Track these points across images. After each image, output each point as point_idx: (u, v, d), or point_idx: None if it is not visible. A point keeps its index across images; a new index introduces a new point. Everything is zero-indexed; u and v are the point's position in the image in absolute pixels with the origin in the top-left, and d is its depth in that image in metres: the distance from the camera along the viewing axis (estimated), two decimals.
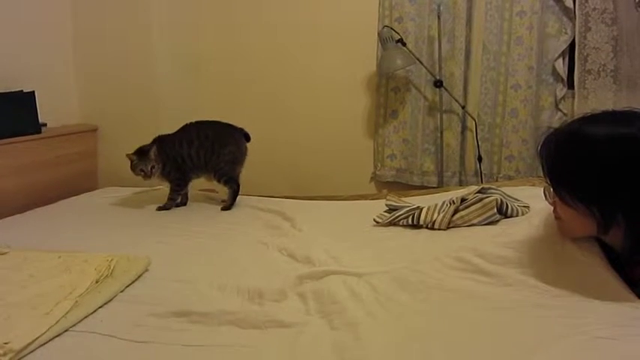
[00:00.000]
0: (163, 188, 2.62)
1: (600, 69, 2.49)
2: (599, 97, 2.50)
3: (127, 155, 2.17)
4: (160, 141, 2.28)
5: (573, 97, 2.58)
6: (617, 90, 2.48)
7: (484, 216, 1.74)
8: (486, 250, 1.33)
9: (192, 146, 2.29)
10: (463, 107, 2.73)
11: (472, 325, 1.11)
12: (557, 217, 1.24)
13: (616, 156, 1.06)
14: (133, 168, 2.19)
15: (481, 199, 1.76)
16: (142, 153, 2.19)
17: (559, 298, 1.12)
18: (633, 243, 1.09)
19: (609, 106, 2.47)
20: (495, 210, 1.74)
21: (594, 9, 2.45)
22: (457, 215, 1.77)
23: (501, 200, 1.77)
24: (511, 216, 1.78)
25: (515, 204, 1.80)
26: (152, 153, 2.19)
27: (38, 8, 2.65)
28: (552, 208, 1.25)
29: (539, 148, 1.19)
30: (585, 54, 2.51)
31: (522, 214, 1.77)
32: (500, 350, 1.01)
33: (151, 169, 2.17)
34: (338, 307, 1.24)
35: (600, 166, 1.08)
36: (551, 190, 1.19)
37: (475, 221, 1.74)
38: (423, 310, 1.20)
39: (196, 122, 2.38)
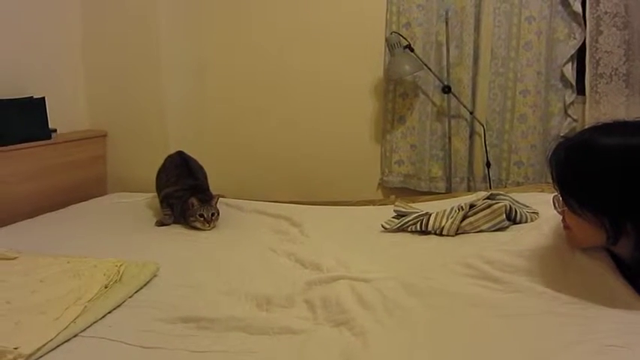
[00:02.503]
0: None
1: (612, 73, 2.48)
2: (611, 102, 2.48)
3: (189, 200, 2.09)
4: (200, 185, 2.28)
5: (583, 103, 2.57)
6: (629, 94, 2.46)
7: (493, 222, 1.73)
8: (495, 257, 1.33)
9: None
10: (471, 113, 2.72)
11: (481, 331, 1.10)
12: (566, 227, 1.23)
13: (627, 167, 1.06)
14: (192, 213, 2.09)
15: (490, 205, 1.75)
16: (203, 200, 2.11)
17: (569, 306, 1.12)
18: None
19: (621, 110, 2.45)
20: (504, 216, 1.73)
21: (606, 13, 2.44)
22: (466, 221, 1.76)
23: (510, 206, 1.76)
24: (520, 222, 1.77)
25: (524, 210, 1.79)
26: (215, 201, 2.14)
27: (48, 16, 2.67)
28: (561, 217, 1.25)
29: (548, 156, 1.18)
30: (597, 58, 2.49)
31: (531, 221, 1.76)
32: (510, 357, 1.01)
33: (212, 215, 2.09)
34: (346, 315, 1.24)
35: (610, 177, 1.08)
36: (560, 199, 1.19)
37: (484, 227, 1.73)
38: (431, 317, 1.20)
39: (176, 154, 2.41)
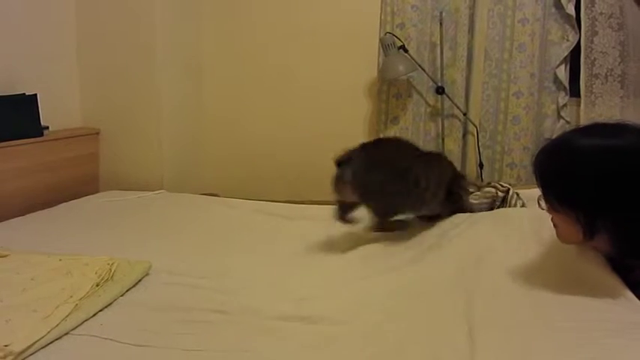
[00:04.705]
0: (164, 192, 2.62)
1: (608, 73, 2.50)
2: (606, 103, 2.50)
3: None
4: None
5: (577, 105, 2.60)
6: (624, 95, 2.48)
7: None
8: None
9: None
10: (465, 114, 2.73)
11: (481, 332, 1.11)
12: (555, 225, 1.27)
13: (598, 167, 1.11)
14: None
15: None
16: None
17: (564, 302, 1.13)
18: (620, 249, 1.13)
19: (616, 111, 2.48)
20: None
21: (601, 13, 2.46)
22: None
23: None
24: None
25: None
26: None
27: (41, 12, 2.66)
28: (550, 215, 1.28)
29: (533, 159, 1.24)
30: (592, 58, 2.51)
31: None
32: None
33: None
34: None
35: (585, 175, 1.14)
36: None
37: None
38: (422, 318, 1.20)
39: None
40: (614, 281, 1.16)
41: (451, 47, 2.73)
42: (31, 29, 2.60)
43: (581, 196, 1.14)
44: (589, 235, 1.15)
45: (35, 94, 2.46)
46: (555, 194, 1.20)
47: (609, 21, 2.46)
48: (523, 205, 1.82)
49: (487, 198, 1.86)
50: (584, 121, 2.51)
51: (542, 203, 1.27)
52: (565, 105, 2.61)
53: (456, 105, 2.71)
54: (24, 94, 2.43)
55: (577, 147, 1.16)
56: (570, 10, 2.50)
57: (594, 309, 1.11)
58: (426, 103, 2.82)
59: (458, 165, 2.78)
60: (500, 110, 2.72)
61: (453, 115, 2.78)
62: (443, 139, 2.76)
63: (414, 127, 2.84)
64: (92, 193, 2.66)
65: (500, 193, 1.88)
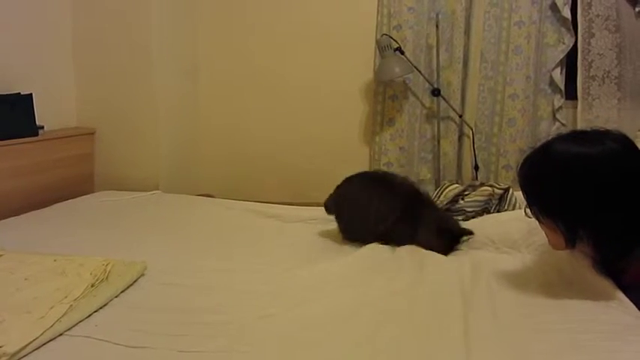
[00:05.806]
0: (159, 193, 2.62)
1: (604, 75, 2.51)
2: (603, 105, 2.51)
3: None
4: None
5: (573, 108, 2.60)
6: (621, 97, 2.49)
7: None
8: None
9: None
10: (460, 116, 2.74)
11: (479, 338, 1.11)
12: (545, 232, 1.27)
13: (575, 174, 1.10)
14: None
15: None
16: None
17: (558, 304, 1.13)
18: (604, 255, 1.13)
19: (613, 113, 2.49)
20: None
21: (597, 15, 2.47)
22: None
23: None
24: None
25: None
26: None
27: (37, 11, 2.64)
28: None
29: (518, 168, 1.24)
30: (589, 60, 2.52)
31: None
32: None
33: None
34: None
35: (561, 183, 1.12)
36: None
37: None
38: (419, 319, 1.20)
39: None
40: (607, 284, 1.17)
41: (447, 49, 2.73)
42: (27, 29, 2.59)
43: (556, 205, 1.14)
44: (570, 243, 1.14)
45: (30, 94, 2.45)
46: (535, 203, 1.20)
47: (606, 23, 2.47)
48: (519, 207, 1.83)
49: (483, 196, 1.86)
50: (581, 124, 2.52)
51: (529, 211, 1.26)
52: (560, 107, 2.62)
53: (451, 107, 2.72)
54: (19, 93, 2.42)
55: (553, 155, 1.16)
56: (566, 13, 2.51)
57: (588, 312, 1.11)
58: (422, 104, 2.82)
59: (453, 167, 2.79)
60: (496, 112, 2.72)
61: (449, 117, 2.78)
62: (438, 141, 2.76)
63: (410, 129, 2.85)
64: (87, 193, 2.66)
65: (497, 191, 1.87)
